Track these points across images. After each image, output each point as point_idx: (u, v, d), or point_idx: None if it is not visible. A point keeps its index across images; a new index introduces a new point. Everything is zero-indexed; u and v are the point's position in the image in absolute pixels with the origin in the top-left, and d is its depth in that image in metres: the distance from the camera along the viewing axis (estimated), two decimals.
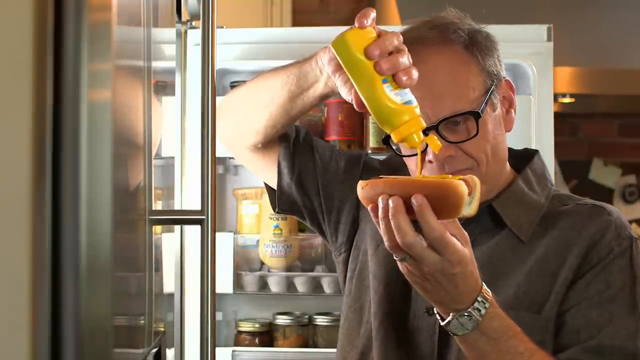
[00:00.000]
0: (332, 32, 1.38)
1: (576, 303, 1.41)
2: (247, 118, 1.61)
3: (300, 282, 2.45)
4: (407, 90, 1.26)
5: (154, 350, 1.15)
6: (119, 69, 0.84)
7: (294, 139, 1.65)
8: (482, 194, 1.30)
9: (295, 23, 3.47)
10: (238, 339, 2.45)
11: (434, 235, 1.22)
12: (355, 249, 1.63)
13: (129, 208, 0.93)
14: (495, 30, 1.51)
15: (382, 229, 1.24)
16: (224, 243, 2.41)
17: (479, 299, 1.28)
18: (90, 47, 0.74)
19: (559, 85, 3.34)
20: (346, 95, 1.32)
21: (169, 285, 1.74)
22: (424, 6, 1.57)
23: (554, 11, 3.42)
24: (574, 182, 3.93)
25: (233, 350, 2.39)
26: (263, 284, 2.47)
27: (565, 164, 3.79)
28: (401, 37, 1.27)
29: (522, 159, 1.56)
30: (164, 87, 1.51)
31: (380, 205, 1.23)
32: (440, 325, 1.37)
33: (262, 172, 1.71)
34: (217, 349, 1.44)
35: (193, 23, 2.20)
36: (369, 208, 1.26)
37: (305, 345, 2.45)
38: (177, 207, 1.79)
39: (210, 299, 1.16)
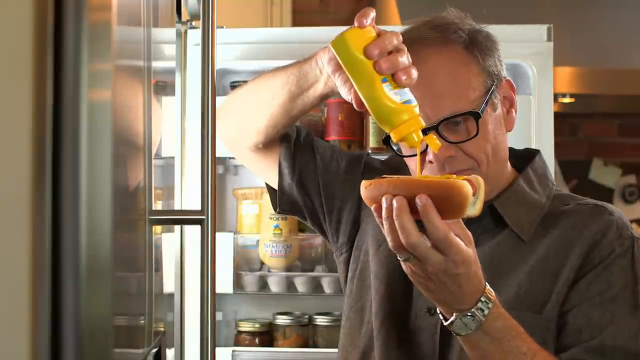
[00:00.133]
0: (332, 32, 1.38)
1: (578, 303, 1.41)
2: (248, 118, 1.61)
3: (300, 282, 2.44)
4: (407, 90, 1.26)
5: (154, 350, 1.14)
6: (119, 69, 0.84)
7: (294, 139, 1.65)
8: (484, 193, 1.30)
9: (295, 23, 3.47)
10: (238, 339, 2.45)
11: (438, 235, 1.22)
12: (357, 249, 1.63)
13: (129, 208, 0.93)
14: (495, 30, 1.51)
15: (385, 229, 1.24)
16: (224, 243, 2.41)
17: (483, 299, 1.29)
18: (90, 47, 0.74)
19: (559, 85, 3.34)
20: (346, 94, 1.32)
21: (169, 285, 1.74)
22: (424, 6, 1.57)
23: (554, 11, 3.42)
24: (574, 182, 3.93)
25: (233, 350, 2.39)
26: (263, 284, 2.47)
27: (565, 164, 3.79)
28: (400, 36, 1.27)
29: (524, 158, 1.56)
30: (164, 87, 1.51)
31: (384, 205, 1.23)
32: (441, 325, 1.36)
33: (263, 172, 1.71)
34: (217, 349, 1.44)
35: (193, 23, 2.20)
36: (372, 208, 1.26)
37: (305, 345, 2.45)
38: (177, 207, 1.79)
39: (210, 299, 1.16)
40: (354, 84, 1.27)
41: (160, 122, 1.35)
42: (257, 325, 2.45)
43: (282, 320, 2.45)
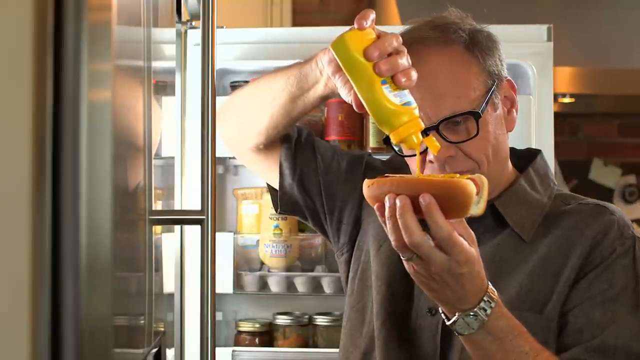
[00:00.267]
0: (332, 32, 1.38)
1: (579, 303, 1.41)
2: (249, 119, 1.61)
3: (300, 282, 2.44)
4: (406, 92, 1.26)
5: (154, 350, 1.14)
6: (119, 69, 0.84)
7: (295, 140, 1.65)
8: None
9: (295, 23, 3.47)
10: (238, 339, 2.45)
11: (441, 234, 1.21)
12: (358, 249, 1.63)
13: (129, 208, 0.93)
14: (495, 30, 1.51)
15: (388, 229, 1.24)
16: (224, 243, 2.41)
17: (485, 298, 1.28)
18: (90, 47, 0.74)
19: (559, 85, 3.34)
20: (346, 96, 1.32)
21: (169, 285, 1.74)
22: (424, 6, 1.57)
23: (555, 11, 3.42)
24: (574, 182, 3.93)
25: (233, 350, 2.39)
26: (263, 284, 2.47)
27: (565, 164, 3.79)
28: (400, 38, 1.27)
29: (525, 158, 1.56)
30: (164, 87, 1.51)
31: (387, 204, 1.23)
32: (443, 325, 1.36)
33: (264, 172, 1.71)
34: (217, 349, 1.44)
35: (193, 23, 2.20)
36: (375, 207, 1.26)
37: (305, 345, 2.45)
38: (177, 207, 1.79)
39: (210, 299, 1.16)
40: (353, 85, 1.27)
41: (160, 122, 1.35)
42: (257, 325, 2.45)
43: (282, 320, 2.45)
